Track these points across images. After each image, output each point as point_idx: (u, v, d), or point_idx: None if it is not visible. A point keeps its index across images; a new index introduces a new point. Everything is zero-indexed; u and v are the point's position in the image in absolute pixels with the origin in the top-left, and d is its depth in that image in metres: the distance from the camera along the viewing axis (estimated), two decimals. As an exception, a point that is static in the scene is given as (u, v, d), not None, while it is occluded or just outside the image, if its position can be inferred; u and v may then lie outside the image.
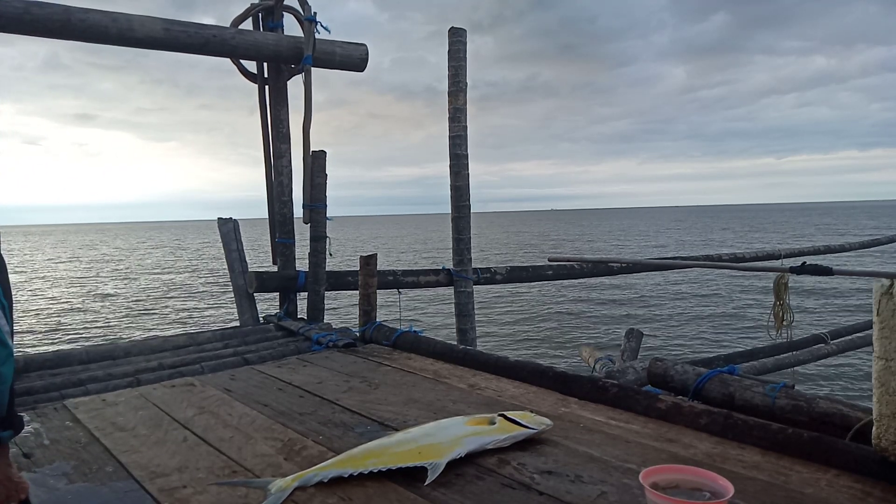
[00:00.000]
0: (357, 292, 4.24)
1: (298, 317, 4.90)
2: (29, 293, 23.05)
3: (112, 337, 14.91)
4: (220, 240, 5.19)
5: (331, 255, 4.79)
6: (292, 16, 4.81)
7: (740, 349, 6.89)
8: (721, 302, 18.30)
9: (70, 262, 41.34)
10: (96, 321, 17.62)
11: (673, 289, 21.00)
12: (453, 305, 5.31)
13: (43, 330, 16.19)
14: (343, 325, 4.53)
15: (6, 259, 1.35)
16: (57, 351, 3.95)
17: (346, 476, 1.85)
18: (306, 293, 4.84)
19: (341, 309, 14.64)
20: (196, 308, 19.73)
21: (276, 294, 5.09)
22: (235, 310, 5.23)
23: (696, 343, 13.26)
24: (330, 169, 4.69)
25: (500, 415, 2.21)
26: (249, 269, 5.03)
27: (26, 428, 2.33)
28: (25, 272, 32.41)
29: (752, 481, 1.80)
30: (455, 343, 4.43)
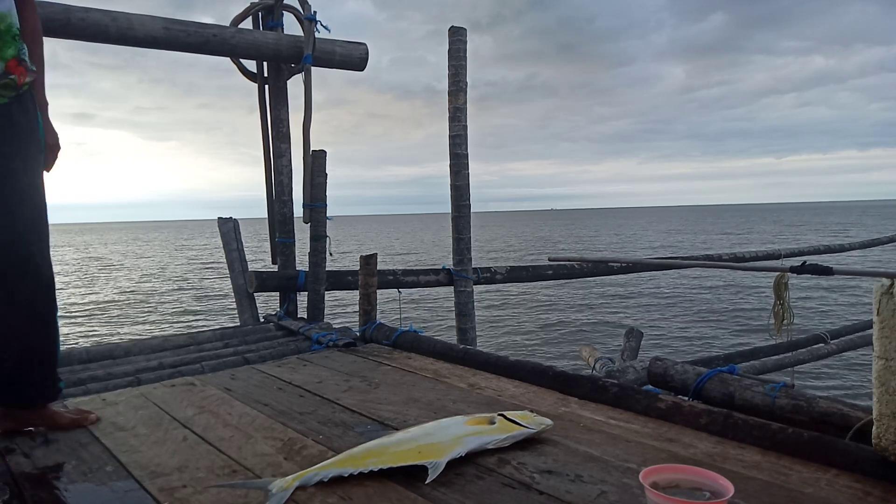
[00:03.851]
0: (357, 292, 4.24)
1: (298, 316, 4.91)
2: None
3: (112, 337, 14.91)
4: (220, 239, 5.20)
5: (331, 254, 4.78)
6: (292, 15, 4.81)
7: (740, 349, 6.89)
8: (721, 302, 18.30)
9: (69, 260, 41.33)
10: (96, 320, 17.62)
11: (673, 289, 21.01)
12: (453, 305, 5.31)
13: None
14: (343, 325, 4.53)
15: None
16: (57, 350, 3.94)
17: (346, 475, 1.86)
18: (306, 293, 4.85)
19: (341, 308, 14.64)
20: (196, 307, 19.74)
21: (276, 293, 5.09)
22: (236, 309, 5.23)
23: (696, 343, 13.26)
24: (330, 168, 4.69)
25: (499, 415, 2.21)
26: (249, 269, 5.03)
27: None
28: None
29: (752, 481, 1.80)
30: (455, 342, 4.43)
